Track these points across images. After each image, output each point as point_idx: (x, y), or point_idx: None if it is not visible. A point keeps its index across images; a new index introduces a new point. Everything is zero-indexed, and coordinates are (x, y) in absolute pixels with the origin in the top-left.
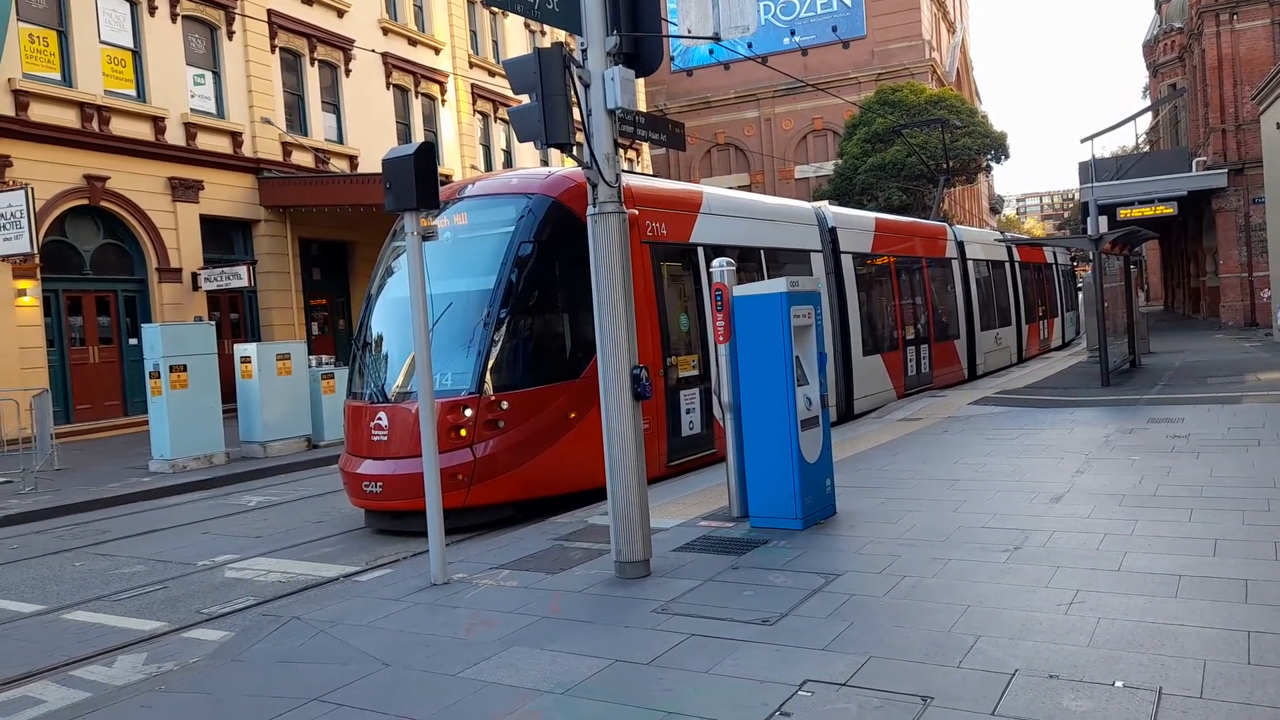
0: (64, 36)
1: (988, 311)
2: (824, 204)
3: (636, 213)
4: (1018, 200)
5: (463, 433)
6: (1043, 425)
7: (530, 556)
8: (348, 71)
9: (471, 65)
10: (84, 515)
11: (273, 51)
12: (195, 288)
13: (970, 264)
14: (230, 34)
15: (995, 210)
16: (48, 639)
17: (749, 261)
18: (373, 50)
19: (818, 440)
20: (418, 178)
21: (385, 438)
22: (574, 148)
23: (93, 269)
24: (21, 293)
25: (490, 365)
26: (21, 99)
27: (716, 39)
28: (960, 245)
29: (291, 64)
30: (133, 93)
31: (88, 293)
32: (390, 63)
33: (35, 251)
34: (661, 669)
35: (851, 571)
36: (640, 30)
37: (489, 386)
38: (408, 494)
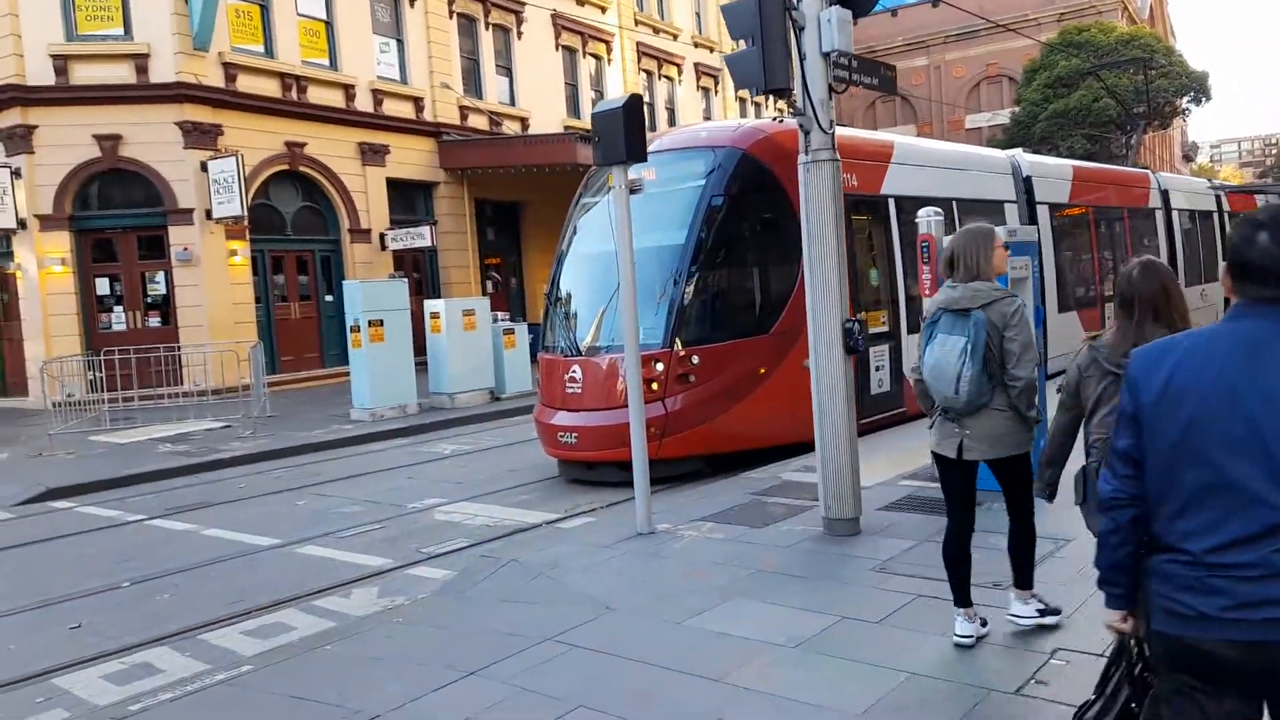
0: (265, 10)
1: (1193, 266)
2: (1018, 151)
3: None
4: (1211, 147)
5: (654, 386)
6: None
7: (731, 510)
8: (519, 34)
9: (636, 23)
10: (298, 459)
11: (450, 17)
12: (383, 248)
13: (1175, 214)
14: (412, 2)
15: (1189, 158)
16: (288, 570)
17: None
18: (543, 2)
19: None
20: (627, 131)
21: (579, 390)
22: (790, 94)
23: (293, 230)
24: (233, 253)
25: (681, 320)
26: (230, 71)
27: None
28: (1165, 194)
29: (467, 29)
30: (326, 62)
31: (289, 252)
32: (559, 23)
33: (245, 214)
34: (894, 628)
35: (1083, 537)
36: None
37: (679, 342)
38: (602, 445)
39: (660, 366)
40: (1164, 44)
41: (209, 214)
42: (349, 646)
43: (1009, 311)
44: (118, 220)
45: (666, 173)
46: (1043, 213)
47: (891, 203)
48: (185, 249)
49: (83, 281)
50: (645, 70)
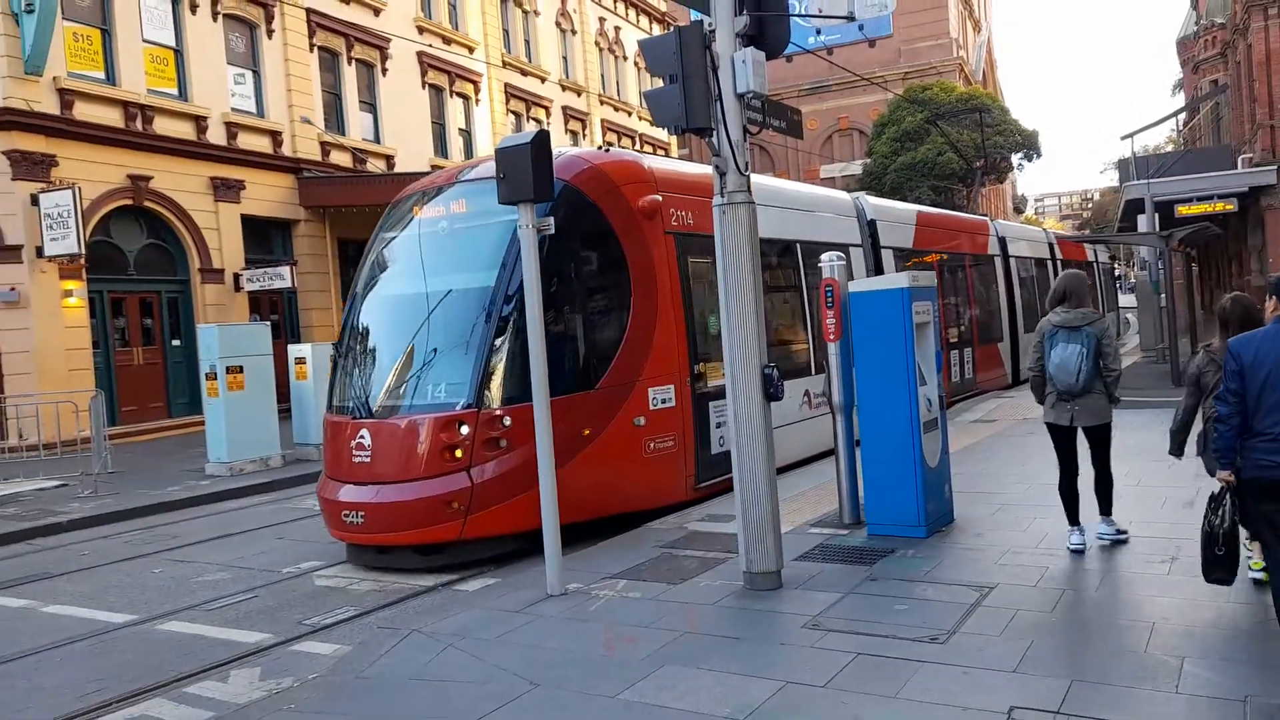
0: (107, 35)
1: (1031, 312)
2: (862, 194)
3: (660, 199)
4: (1035, 200)
5: (458, 454)
6: (1131, 427)
7: (643, 566)
8: (384, 71)
9: (505, 65)
10: (149, 519)
11: (311, 50)
12: (237, 289)
13: (1013, 261)
14: (270, 32)
15: (1019, 210)
16: (149, 652)
17: (785, 257)
18: (409, 39)
19: (937, 443)
20: (534, 167)
21: (368, 459)
22: (712, 133)
23: (136, 269)
24: (68, 293)
25: (491, 375)
26: (66, 98)
27: (850, 19)
28: (1002, 241)
29: (329, 63)
30: (175, 91)
31: (132, 293)
32: (425, 61)
33: (82, 252)
34: (843, 692)
35: (1004, 584)
36: (766, 10)
37: (489, 399)
38: (395, 525)
39: (465, 430)
40: (999, 103)
41: (40, 251)
42: None
43: (1105, 327)
44: None
45: (479, 204)
46: (887, 258)
47: None
48: (12, 289)
49: None
50: (514, 111)
